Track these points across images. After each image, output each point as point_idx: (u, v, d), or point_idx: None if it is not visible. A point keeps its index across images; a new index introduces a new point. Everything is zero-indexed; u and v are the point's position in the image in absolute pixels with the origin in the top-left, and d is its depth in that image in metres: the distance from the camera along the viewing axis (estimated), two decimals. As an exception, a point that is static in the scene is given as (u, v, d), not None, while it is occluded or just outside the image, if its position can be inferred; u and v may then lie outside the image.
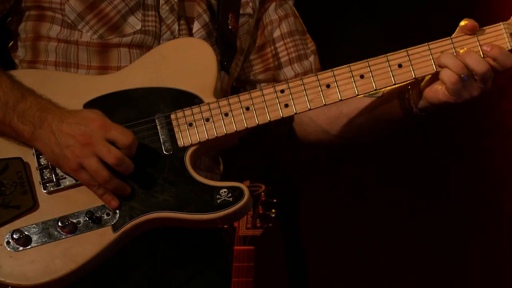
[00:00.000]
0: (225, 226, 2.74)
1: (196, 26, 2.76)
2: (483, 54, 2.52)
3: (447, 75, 2.49)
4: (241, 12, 2.82)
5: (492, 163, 5.19)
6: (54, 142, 2.48)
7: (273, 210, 4.73)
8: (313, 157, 5.19)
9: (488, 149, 5.20)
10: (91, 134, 2.46)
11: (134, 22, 2.68)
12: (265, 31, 2.92)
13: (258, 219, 4.66)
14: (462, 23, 2.56)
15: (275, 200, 4.75)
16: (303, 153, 5.09)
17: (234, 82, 2.93)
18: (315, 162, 5.24)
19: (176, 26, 2.72)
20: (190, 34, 2.75)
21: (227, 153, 2.82)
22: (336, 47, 5.32)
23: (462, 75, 2.48)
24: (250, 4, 2.85)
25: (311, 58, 2.93)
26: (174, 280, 2.70)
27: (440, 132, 5.24)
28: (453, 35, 2.58)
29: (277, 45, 2.92)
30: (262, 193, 4.74)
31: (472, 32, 2.55)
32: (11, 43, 2.80)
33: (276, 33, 2.92)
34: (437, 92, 2.54)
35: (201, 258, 2.74)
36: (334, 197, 5.35)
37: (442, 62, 2.51)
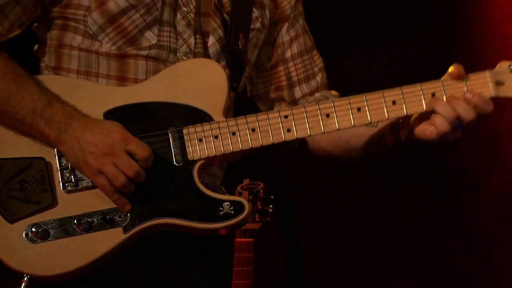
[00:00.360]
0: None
1: (211, 40, 2.97)
2: (465, 100, 2.78)
3: (440, 122, 2.74)
4: (251, 27, 3.05)
5: (493, 165, 5.39)
6: (78, 148, 2.70)
7: (271, 206, 5.02)
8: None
9: (485, 152, 5.39)
10: (112, 145, 2.69)
11: (150, 36, 2.89)
12: (278, 51, 3.16)
13: (257, 214, 4.97)
14: (450, 69, 2.81)
15: (272, 197, 5.04)
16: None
17: (248, 93, 3.19)
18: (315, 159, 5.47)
19: (192, 40, 2.93)
20: (205, 47, 2.96)
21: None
22: (339, 47, 5.52)
23: (453, 124, 2.75)
24: (260, 19, 3.07)
25: (318, 77, 3.19)
26: (174, 278, 2.91)
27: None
28: (443, 78, 2.84)
29: (288, 65, 3.17)
30: (261, 190, 5.03)
31: (459, 78, 2.81)
32: (36, 47, 3.00)
33: (288, 54, 3.17)
34: (424, 131, 2.80)
35: (202, 259, 2.95)
36: (333, 197, 5.55)
37: (436, 109, 2.76)
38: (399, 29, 5.43)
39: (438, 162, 5.45)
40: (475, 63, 5.34)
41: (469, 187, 5.44)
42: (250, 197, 5.02)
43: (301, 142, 3.15)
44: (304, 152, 3.17)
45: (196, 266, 2.95)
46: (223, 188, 3.07)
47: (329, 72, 3.27)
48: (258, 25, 3.07)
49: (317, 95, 3.18)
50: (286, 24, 3.15)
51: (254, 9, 3.04)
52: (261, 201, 5.01)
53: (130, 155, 2.70)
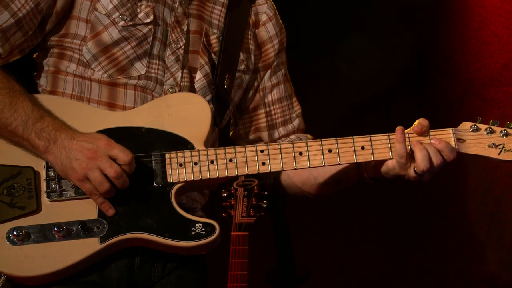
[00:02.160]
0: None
1: (198, 75, 3.20)
2: (432, 145, 2.99)
3: (423, 161, 2.95)
4: (237, 68, 3.28)
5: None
6: (65, 156, 2.90)
7: (265, 201, 5.17)
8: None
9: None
10: (96, 150, 2.89)
11: (140, 67, 3.11)
12: (260, 95, 3.40)
13: (251, 209, 5.12)
14: (415, 124, 3.02)
15: (266, 193, 5.20)
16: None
17: (230, 133, 3.41)
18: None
19: (179, 74, 3.16)
20: (192, 82, 3.19)
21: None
22: (330, 57, 5.76)
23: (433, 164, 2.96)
24: (245, 62, 3.30)
25: (295, 122, 3.43)
26: (153, 275, 3.06)
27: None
28: (408, 130, 3.06)
29: (267, 109, 3.40)
30: (255, 187, 5.19)
31: (424, 133, 3.03)
32: (35, 73, 3.22)
33: (268, 99, 3.41)
34: (387, 165, 3.03)
35: (178, 262, 3.09)
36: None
37: (416, 150, 2.97)
38: (382, 37, 5.65)
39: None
40: (455, 67, 5.56)
41: (466, 187, 5.55)
42: (245, 193, 5.18)
43: (276, 178, 3.36)
44: (278, 187, 3.38)
45: (172, 269, 3.10)
46: (201, 213, 3.24)
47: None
48: (243, 67, 3.31)
49: (292, 136, 3.42)
50: (269, 70, 3.40)
51: (240, 53, 3.29)
52: (255, 197, 5.18)
53: (114, 160, 2.89)
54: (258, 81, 3.40)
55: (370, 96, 5.63)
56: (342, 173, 3.18)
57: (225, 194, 5.15)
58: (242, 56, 3.30)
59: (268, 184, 3.40)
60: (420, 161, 2.95)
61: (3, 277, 2.87)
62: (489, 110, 5.25)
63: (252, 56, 3.35)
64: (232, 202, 5.13)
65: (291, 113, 3.44)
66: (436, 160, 2.96)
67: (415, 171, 2.97)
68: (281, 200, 5.77)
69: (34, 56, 3.23)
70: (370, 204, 5.70)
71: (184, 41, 3.18)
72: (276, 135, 3.41)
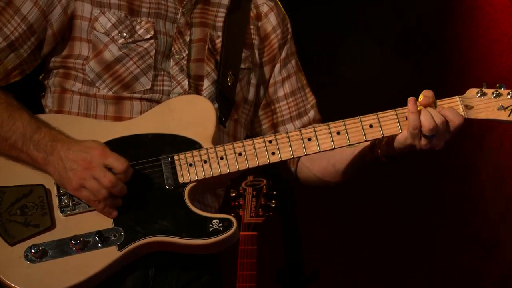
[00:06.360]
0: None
1: (206, 83, 3.19)
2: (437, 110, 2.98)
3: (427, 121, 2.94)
4: (241, 66, 3.27)
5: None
6: (62, 167, 2.90)
7: (273, 201, 5.13)
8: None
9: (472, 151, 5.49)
10: (91, 160, 2.88)
11: (145, 82, 3.11)
12: (271, 90, 3.38)
13: (260, 209, 5.08)
14: (421, 97, 3.01)
15: (275, 193, 5.16)
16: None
17: (248, 133, 3.38)
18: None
19: (186, 82, 3.15)
20: (200, 90, 3.18)
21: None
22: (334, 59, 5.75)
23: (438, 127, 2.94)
24: (250, 58, 3.29)
25: (311, 114, 3.41)
26: (167, 287, 3.03)
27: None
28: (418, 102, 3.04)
29: (281, 103, 3.39)
30: (264, 187, 5.15)
31: (431, 103, 3.01)
32: (42, 94, 3.24)
33: (280, 93, 3.39)
34: (398, 139, 3.01)
35: (194, 267, 3.06)
36: (332, 192, 5.65)
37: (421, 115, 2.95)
38: (392, 35, 5.65)
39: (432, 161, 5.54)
40: (464, 66, 5.54)
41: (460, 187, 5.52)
42: (254, 193, 5.13)
43: (296, 173, 3.36)
44: (300, 181, 3.37)
45: (187, 283, 3.07)
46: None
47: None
48: (248, 64, 3.29)
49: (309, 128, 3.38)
50: (279, 64, 3.38)
51: (244, 50, 3.28)
52: (264, 197, 5.13)
53: (110, 169, 2.88)
54: (268, 76, 3.38)
55: (376, 96, 5.62)
56: (358, 157, 3.15)
57: (234, 194, 5.10)
58: (245, 53, 3.29)
59: (291, 180, 3.38)
60: (424, 121, 2.94)
61: (25, 297, 2.85)
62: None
63: (256, 51, 3.33)
64: (241, 202, 5.08)
65: (305, 104, 3.42)
66: (438, 119, 2.94)
67: (424, 136, 2.94)
68: (290, 200, 5.73)
69: (40, 78, 3.25)
70: (379, 203, 5.68)
71: (187, 51, 3.17)
72: (292, 128, 3.37)
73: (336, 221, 5.76)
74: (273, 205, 5.15)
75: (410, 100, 2.98)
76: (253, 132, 3.43)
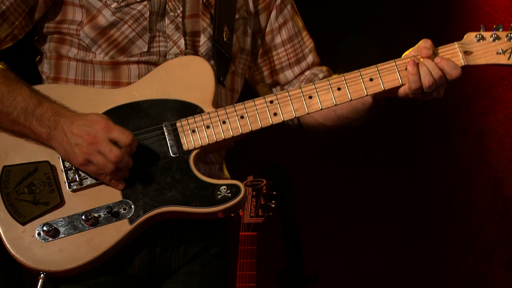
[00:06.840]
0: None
1: (202, 39, 3.14)
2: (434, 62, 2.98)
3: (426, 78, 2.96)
4: (236, 17, 3.22)
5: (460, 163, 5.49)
6: (66, 142, 2.88)
7: (273, 201, 5.22)
8: (312, 153, 5.59)
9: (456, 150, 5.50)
10: (95, 135, 2.86)
11: (142, 45, 3.06)
12: (269, 38, 3.36)
13: (260, 209, 5.17)
14: (420, 50, 3.00)
15: (274, 193, 5.24)
16: (302, 150, 5.54)
17: (247, 76, 3.39)
18: (314, 159, 5.64)
19: (182, 41, 3.10)
20: (197, 47, 3.13)
21: (232, 152, 3.22)
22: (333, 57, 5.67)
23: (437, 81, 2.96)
24: (244, 8, 3.25)
25: (309, 58, 3.40)
26: (173, 262, 3.08)
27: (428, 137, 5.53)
28: (414, 53, 3.03)
29: (279, 50, 3.37)
30: (264, 187, 5.23)
31: (429, 52, 3.00)
32: (38, 58, 3.19)
33: (277, 40, 3.37)
34: (399, 92, 3.03)
35: (200, 240, 3.12)
36: (332, 192, 5.72)
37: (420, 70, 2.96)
38: (392, 36, 5.54)
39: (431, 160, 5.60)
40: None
41: (458, 186, 5.55)
42: (254, 193, 5.22)
43: (299, 119, 3.37)
44: (303, 127, 3.39)
45: (194, 256, 3.12)
46: (224, 170, 3.24)
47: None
48: (242, 13, 3.24)
49: (307, 73, 3.38)
50: (275, 11, 3.34)
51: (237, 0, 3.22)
52: (264, 197, 5.22)
53: (115, 142, 2.87)
54: (264, 23, 3.34)
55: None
56: (359, 101, 3.13)
57: (234, 194, 5.14)
58: (239, 2, 3.23)
59: (294, 126, 3.39)
60: (424, 79, 2.96)
61: (42, 275, 2.89)
62: (498, 110, 5.23)
63: (251, 0, 3.28)
64: (241, 202, 5.13)
65: (303, 49, 3.40)
66: (436, 74, 2.95)
67: (424, 92, 2.97)
68: (290, 200, 5.76)
69: (34, 40, 3.20)
70: (379, 203, 5.67)
71: (181, 8, 3.11)
72: (292, 75, 3.38)
73: (336, 221, 5.73)
74: (273, 205, 5.20)
75: (410, 62, 2.97)
76: (253, 80, 3.43)
